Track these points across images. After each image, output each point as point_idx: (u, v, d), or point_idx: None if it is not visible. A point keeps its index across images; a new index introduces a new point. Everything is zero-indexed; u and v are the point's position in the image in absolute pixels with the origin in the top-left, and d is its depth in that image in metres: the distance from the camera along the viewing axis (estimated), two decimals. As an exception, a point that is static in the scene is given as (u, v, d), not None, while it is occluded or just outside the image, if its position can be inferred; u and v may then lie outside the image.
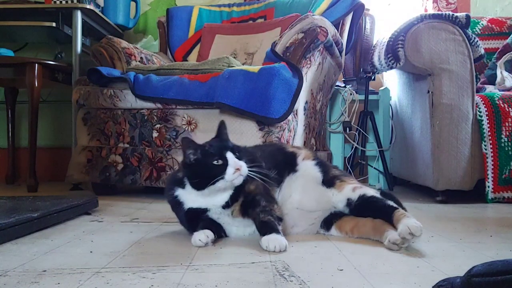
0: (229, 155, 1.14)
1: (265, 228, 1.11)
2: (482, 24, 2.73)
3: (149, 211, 1.72)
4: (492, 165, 1.97)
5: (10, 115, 2.88)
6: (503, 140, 1.97)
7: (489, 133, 1.97)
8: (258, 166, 1.21)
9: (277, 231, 1.11)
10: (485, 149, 1.97)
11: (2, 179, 2.87)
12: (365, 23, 2.67)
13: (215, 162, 1.13)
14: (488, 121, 1.98)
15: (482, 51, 2.05)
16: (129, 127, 2.10)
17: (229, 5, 2.91)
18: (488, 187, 1.96)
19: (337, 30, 2.33)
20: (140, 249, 1.10)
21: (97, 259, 1.01)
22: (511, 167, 1.97)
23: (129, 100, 2.06)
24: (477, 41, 2.03)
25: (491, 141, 1.97)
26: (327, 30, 1.97)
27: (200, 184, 1.15)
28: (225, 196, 1.18)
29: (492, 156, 1.97)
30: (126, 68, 2.27)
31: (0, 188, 2.59)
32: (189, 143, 1.15)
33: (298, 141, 2.01)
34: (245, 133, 1.88)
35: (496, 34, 2.70)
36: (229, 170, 1.12)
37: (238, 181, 1.15)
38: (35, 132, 2.38)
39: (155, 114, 2.04)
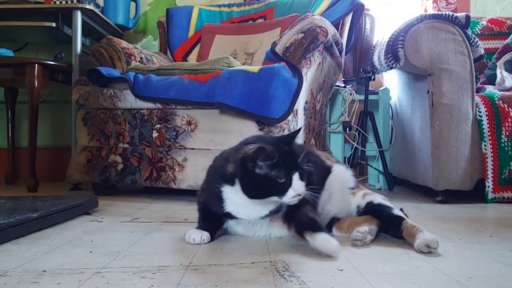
0: (295, 177, 1.07)
1: (313, 225, 1.09)
2: (482, 24, 2.73)
3: (149, 211, 1.72)
4: (492, 165, 1.97)
5: (10, 115, 2.87)
6: (503, 140, 1.97)
7: (489, 133, 1.97)
8: (313, 184, 1.17)
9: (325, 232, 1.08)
10: (485, 149, 1.97)
11: (2, 179, 2.87)
12: (365, 23, 2.67)
13: (278, 180, 1.06)
14: (488, 121, 1.98)
15: (482, 51, 2.05)
16: (129, 127, 2.10)
17: (229, 5, 2.91)
18: (488, 187, 1.96)
19: (337, 30, 2.33)
20: (140, 249, 1.10)
21: (97, 259, 1.01)
22: (511, 167, 1.97)
23: (129, 100, 2.06)
24: (477, 41, 2.03)
25: (491, 141, 1.97)
26: (327, 30, 1.97)
27: (254, 195, 1.09)
28: (271, 207, 1.14)
29: (492, 156, 1.97)
30: (126, 68, 2.27)
31: (0, 188, 2.59)
32: (263, 152, 1.05)
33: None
34: (245, 133, 1.88)
35: (496, 34, 2.70)
36: (290, 193, 1.07)
37: (293, 203, 1.10)
38: (35, 132, 2.38)
39: (155, 114, 2.04)
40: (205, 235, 1.16)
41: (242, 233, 1.23)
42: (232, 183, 1.11)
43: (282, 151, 1.09)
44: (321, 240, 1.04)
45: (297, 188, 1.07)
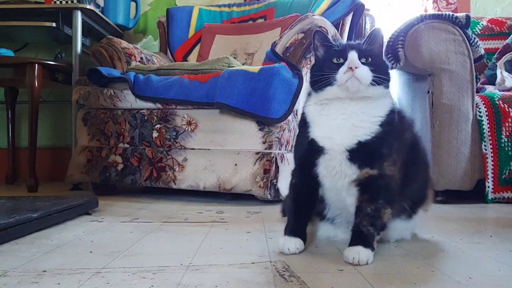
0: (352, 55, 1.00)
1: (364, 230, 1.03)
2: (482, 24, 2.73)
3: (149, 211, 1.72)
4: (492, 165, 1.97)
5: (10, 115, 2.87)
6: (503, 140, 1.97)
7: (489, 133, 1.97)
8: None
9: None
10: (485, 149, 1.97)
11: (2, 179, 2.87)
12: (365, 23, 2.67)
13: (335, 60, 1.01)
14: (488, 121, 1.98)
15: (482, 51, 2.05)
16: (129, 127, 2.10)
17: (229, 5, 2.91)
18: (488, 187, 1.96)
19: (337, 30, 2.33)
20: (140, 249, 1.10)
21: (97, 259, 1.01)
22: (511, 167, 1.97)
23: (129, 100, 2.06)
24: (477, 41, 2.03)
25: (491, 141, 1.97)
26: (327, 30, 1.97)
27: (314, 84, 1.04)
28: (358, 130, 1.01)
29: (492, 156, 1.97)
30: (126, 68, 2.27)
31: (0, 188, 2.59)
32: (320, 36, 1.06)
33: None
34: (245, 133, 1.88)
35: (496, 34, 2.70)
36: (341, 69, 0.99)
37: (352, 85, 0.99)
38: (35, 132, 2.38)
39: (155, 114, 2.04)
40: (299, 243, 1.06)
41: (328, 184, 1.07)
42: (310, 93, 1.10)
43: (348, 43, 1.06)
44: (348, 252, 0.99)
45: (349, 62, 0.99)
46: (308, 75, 1.09)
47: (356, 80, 0.98)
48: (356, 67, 0.98)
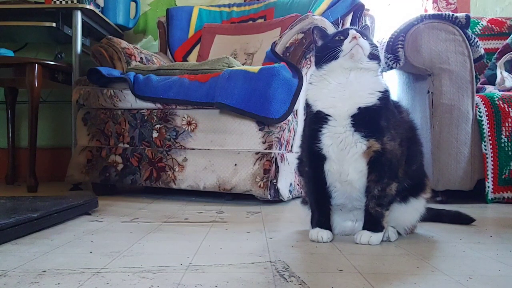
0: (352, 31, 1.16)
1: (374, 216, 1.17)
2: (482, 24, 2.73)
3: (149, 211, 1.72)
4: (492, 165, 1.97)
5: (10, 115, 2.87)
6: (503, 140, 1.97)
7: (489, 133, 1.98)
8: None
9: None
10: (485, 149, 1.97)
11: (2, 179, 2.87)
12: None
13: (337, 38, 1.17)
14: (488, 121, 1.98)
15: (482, 51, 2.05)
16: (129, 127, 2.10)
17: (229, 5, 2.91)
18: (488, 187, 1.96)
19: (337, 30, 2.33)
20: (140, 249, 1.10)
21: (97, 259, 1.01)
22: (511, 167, 1.97)
23: (129, 100, 2.06)
24: (477, 41, 2.03)
25: (491, 141, 1.97)
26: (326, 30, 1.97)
27: (320, 59, 1.19)
28: (354, 99, 1.13)
29: (492, 156, 1.97)
30: (126, 68, 2.27)
31: (0, 188, 2.59)
32: (320, 31, 1.24)
33: (298, 141, 2.01)
34: (245, 133, 1.88)
35: (496, 34, 2.70)
36: (346, 40, 1.15)
37: (357, 52, 1.13)
38: (35, 132, 2.38)
39: (155, 114, 2.04)
40: (327, 233, 1.19)
41: (334, 155, 1.15)
42: (311, 82, 1.22)
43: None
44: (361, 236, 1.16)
45: (353, 34, 1.14)
46: (313, 59, 1.26)
47: (359, 47, 1.13)
48: (359, 37, 1.14)
